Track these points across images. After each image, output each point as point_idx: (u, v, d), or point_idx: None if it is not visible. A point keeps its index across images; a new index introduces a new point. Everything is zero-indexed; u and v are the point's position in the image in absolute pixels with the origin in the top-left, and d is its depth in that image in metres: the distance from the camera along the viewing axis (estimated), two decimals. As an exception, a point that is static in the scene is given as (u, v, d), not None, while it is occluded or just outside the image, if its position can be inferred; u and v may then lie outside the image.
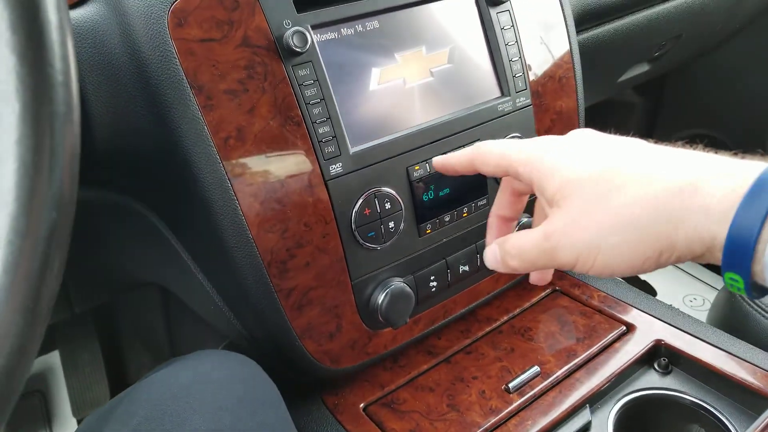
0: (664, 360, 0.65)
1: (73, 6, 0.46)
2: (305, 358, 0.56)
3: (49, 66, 0.24)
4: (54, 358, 1.20)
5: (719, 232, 0.33)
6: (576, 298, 0.75)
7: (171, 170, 0.49)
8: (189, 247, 0.56)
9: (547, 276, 0.52)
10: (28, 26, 0.24)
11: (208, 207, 0.48)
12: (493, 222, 0.50)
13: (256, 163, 0.49)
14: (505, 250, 0.43)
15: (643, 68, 1.21)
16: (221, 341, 0.81)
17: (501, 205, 0.50)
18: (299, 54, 0.49)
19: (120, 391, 0.49)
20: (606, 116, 1.56)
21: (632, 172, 0.37)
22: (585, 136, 0.42)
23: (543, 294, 0.76)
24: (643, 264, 0.37)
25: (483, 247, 0.65)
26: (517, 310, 0.73)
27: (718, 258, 0.34)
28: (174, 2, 0.45)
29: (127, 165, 0.51)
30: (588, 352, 0.66)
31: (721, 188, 0.34)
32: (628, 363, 0.64)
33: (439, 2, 0.59)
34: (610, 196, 0.37)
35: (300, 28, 0.48)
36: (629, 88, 1.47)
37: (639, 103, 1.55)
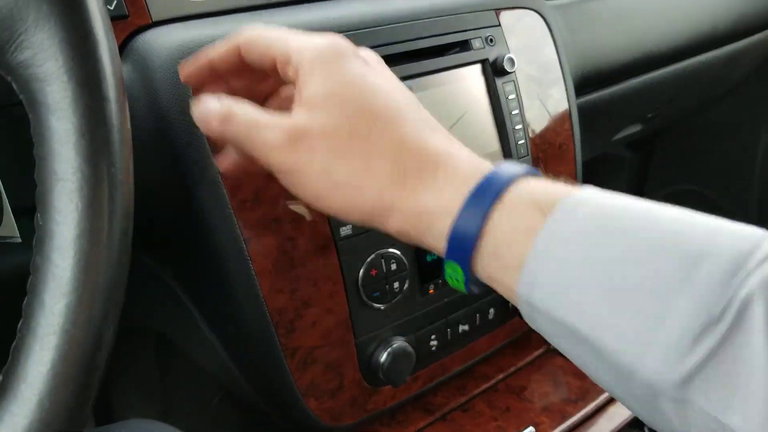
0: (656, 424, 0.66)
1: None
2: (307, 415, 0.57)
3: (112, 166, 0.26)
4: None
5: (444, 224, 0.34)
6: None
7: (186, 230, 0.50)
8: (197, 301, 0.57)
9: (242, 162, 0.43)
10: (95, 131, 0.26)
11: (223, 268, 0.49)
12: (201, 59, 0.42)
13: (271, 224, 0.50)
14: (231, 110, 0.38)
15: (636, 128, 1.25)
16: (217, 392, 0.81)
17: (220, 55, 0.41)
18: (316, 121, 0.51)
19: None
20: (595, 171, 1.60)
21: (393, 125, 0.36)
22: (380, 64, 0.41)
23: (537, 353, 0.77)
24: (353, 214, 0.37)
25: (483, 306, 0.67)
26: (512, 369, 0.74)
27: (432, 244, 0.35)
28: (200, 70, 0.47)
29: (144, 223, 0.52)
30: (582, 414, 0.67)
31: (458, 179, 0.34)
32: (621, 425, 0.65)
33: (449, 72, 0.62)
34: (361, 134, 0.35)
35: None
36: (620, 145, 1.51)
37: (629, 158, 1.59)
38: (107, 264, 0.26)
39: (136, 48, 0.49)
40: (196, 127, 0.47)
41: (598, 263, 0.30)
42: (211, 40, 0.49)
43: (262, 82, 0.43)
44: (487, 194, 0.33)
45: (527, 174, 0.35)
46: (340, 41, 0.38)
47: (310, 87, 0.36)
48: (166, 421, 1.02)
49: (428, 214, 0.35)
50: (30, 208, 0.28)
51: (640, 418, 0.32)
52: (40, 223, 0.26)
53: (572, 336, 0.31)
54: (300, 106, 0.36)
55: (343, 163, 0.35)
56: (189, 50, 0.48)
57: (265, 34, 0.39)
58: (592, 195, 0.33)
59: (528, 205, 0.33)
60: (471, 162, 0.36)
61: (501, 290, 0.34)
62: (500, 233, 0.33)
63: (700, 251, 0.28)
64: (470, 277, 0.34)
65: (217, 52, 0.40)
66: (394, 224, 0.36)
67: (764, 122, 1.36)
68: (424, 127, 0.37)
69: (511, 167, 0.35)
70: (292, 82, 0.38)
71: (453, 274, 0.35)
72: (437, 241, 0.35)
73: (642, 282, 0.29)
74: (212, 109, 0.38)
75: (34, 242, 0.26)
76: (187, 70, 0.42)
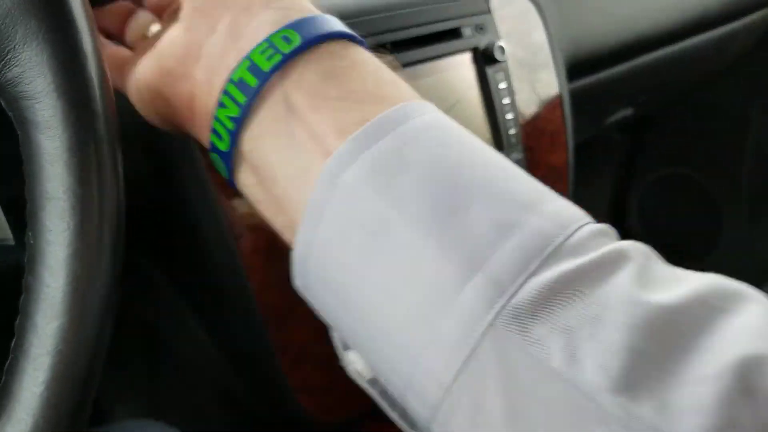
0: None
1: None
2: (299, 412, 0.56)
3: (103, 184, 0.26)
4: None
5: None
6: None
7: (175, 225, 0.49)
8: (186, 296, 0.56)
9: None
10: (85, 149, 0.25)
11: (210, 261, 0.49)
12: None
13: (261, 219, 0.49)
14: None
15: (627, 111, 1.24)
16: (207, 387, 0.80)
17: None
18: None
19: (93, 422, 0.48)
20: (586, 153, 1.60)
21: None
22: None
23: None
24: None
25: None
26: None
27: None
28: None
29: (129, 219, 0.51)
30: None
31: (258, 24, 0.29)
32: None
33: (439, 61, 0.61)
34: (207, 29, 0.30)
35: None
36: (612, 128, 1.51)
37: (618, 141, 1.59)
38: (100, 283, 0.26)
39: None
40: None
41: (433, 169, 0.25)
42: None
43: None
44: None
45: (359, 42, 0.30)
46: None
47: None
48: (157, 415, 1.02)
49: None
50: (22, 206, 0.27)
51: None
52: (32, 242, 0.26)
53: (385, 234, 0.25)
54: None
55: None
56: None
57: None
58: (433, 108, 0.29)
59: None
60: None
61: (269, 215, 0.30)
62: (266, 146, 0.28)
63: (510, 220, 0.24)
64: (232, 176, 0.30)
65: None
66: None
67: (754, 105, 1.36)
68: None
69: (338, 23, 0.29)
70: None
71: (226, 112, 0.29)
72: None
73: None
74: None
75: (25, 260, 0.26)
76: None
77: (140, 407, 1.10)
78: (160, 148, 0.46)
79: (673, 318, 0.21)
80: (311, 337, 0.55)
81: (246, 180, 0.30)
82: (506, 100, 0.65)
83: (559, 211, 0.25)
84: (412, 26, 0.59)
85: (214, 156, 0.31)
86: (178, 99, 0.32)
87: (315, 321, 0.55)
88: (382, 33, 0.57)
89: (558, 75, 0.72)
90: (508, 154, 0.65)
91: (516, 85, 0.67)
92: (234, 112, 0.28)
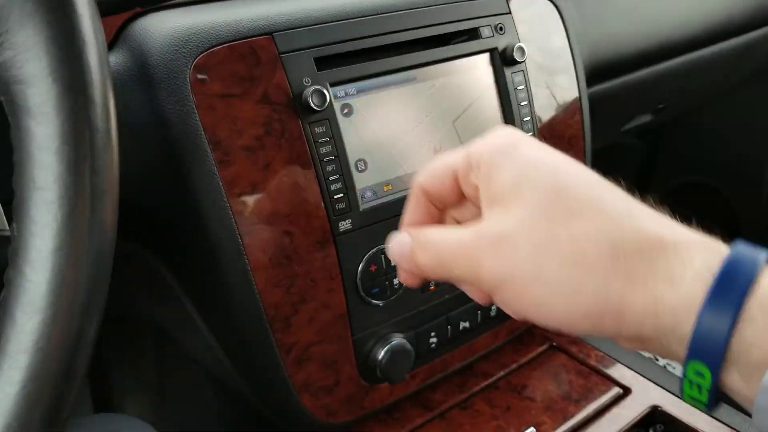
0: (660, 427, 0.65)
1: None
2: (302, 412, 0.56)
3: (95, 175, 0.24)
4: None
5: (686, 314, 0.27)
6: (573, 356, 0.74)
7: (182, 222, 0.49)
8: (191, 294, 0.56)
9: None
10: (78, 137, 0.24)
11: (218, 261, 0.48)
12: (418, 194, 0.36)
13: (268, 218, 0.49)
14: (419, 241, 0.33)
15: (646, 118, 1.22)
16: (212, 385, 0.80)
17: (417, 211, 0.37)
18: (317, 112, 0.49)
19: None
20: (605, 159, 1.57)
21: (593, 199, 0.30)
22: (551, 150, 0.33)
23: (540, 350, 0.75)
24: (580, 320, 0.30)
25: (484, 305, 0.66)
26: (514, 366, 0.73)
27: (674, 344, 0.28)
28: (197, 57, 0.45)
29: (138, 216, 0.50)
30: (584, 415, 0.66)
31: (692, 260, 0.28)
32: (624, 429, 0.64)
33: (456, 61, 0.59)
34: (562, 218, 0.29)
35: (320, 87, 0.49)
36: (629, 135, 1.48)
37: (638, 147, 1.56)
38: (86, 279, 0.24)
39: (132, 34, 0.47)
40: (193, 117, 0.45)
41: None
42: (210, 27, 0.47)
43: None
44: (735, 283, 0.27)
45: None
46: (510, 131, 0.34)
47: (494, 182, 0.31)
48: (163, 410, 1.02)
49: (669, 310, 0.28)
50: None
51: None
52: (16, 233, 0.24)
53: None
54: (489, 206, 0.32)
55: (552, 256, 0.29)
56: (187, 37, 0.46)
57: (438, 162, 0.35)
58: None
59: None
60: (698, 239, 0.29)
61: (739, 398, 0.28)
62: (753, 334, 0.27)
63: None
64: (717, 383, 0.28)
65: (408, 206, 0.37)
66: (629, 328, 0.29)
67: (777, 114, 1.33)
68: (627, 203, 0.31)
69: (749, 249, 0.28)
70: (475, 187, 0.33)
71: (696, 379, 0.28)
72: (681, 344, 0.28)
73: None
74: (402, 242, 0.34)
75: (8, 253, 0.25)
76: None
77: (150, 403, 1.10)
78: (170, 145, 0.46)
79: None
80: (315, 337, 0.54)
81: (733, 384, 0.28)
82: (524, 103, 0.64)
83: None
84: (429, 25, 0.58)
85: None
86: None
87: (319, 321, 0.54)
88: (399, 31, 0.56)
89: (578, 79, 0.70)
90: (523, 159, 0.64)
91: (534, 88, 0.65)
92: (703, 396, 0.28)
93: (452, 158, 0.34)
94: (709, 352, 0.27)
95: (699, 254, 0.28)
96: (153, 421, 1.10)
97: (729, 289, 0.27)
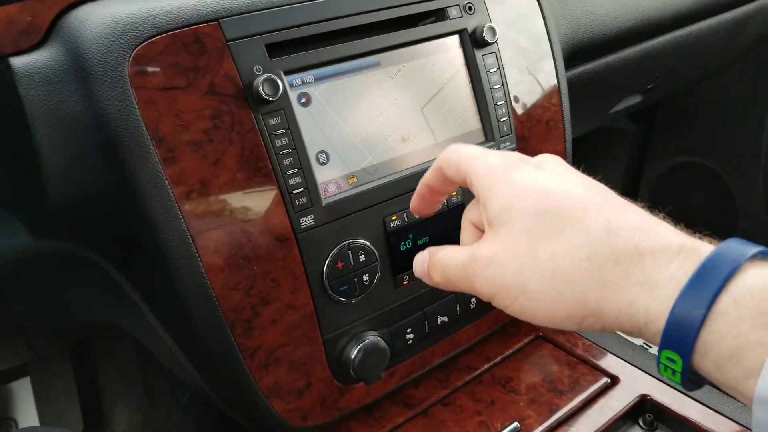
0: (649, 416, 0.63)
1: (28, 50, 0.44)
2: (272, 417, 0.53)
3: None
4: (26, 384, 1.16)
5: (659, 312, 0.31)
6: (560, 346, 0.72)
7: (129, 224, 0.46)
8: (150, 301, 0.53)
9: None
10: None
11: (169, 264, 0.45)
12: (422, 190, 0.44)
13: (221, 217, 0.46)
14: (431, 261, 0.41)
15: (636, 99, 1.19)
16: (189, 388, 0.78)
17: (432, 179, 0.44)
18: (270, 102, 0.46)
19: (93, 420, 0.46)
20: (597, 142, 1.55)
21: (573, 218, 0.34)
22: (555, 164, 0.39)
23: (526, 341, 0.73)
24: (563, 322, 0.35)
25: (462, 297, 0.63)
26: (499, 358, 0.71)
27: (650, 337, 0.32)
28: (135, 48, 0.43)
29: (84, 217, 0.48)
30: (570, 406, 0.63)
31: (667, 265, 0.32)
32: (612, 419, 0.62)
33: (422, 44, 0.57)
34: (543, 238, 0.35)
35: (271, 75, 0.46)
36: (621, 117, 1.45)
37: (630, 130, 1.53)
38: None
39: (66, 26, 0.44)
40: (133, 112, 0.42)
41: None
42: (149, 15, 0.44)
43: None
44: (708, 282, 0.30)
45: (757, 255, 0.31)
46: (511, 155, 0.39)
47: (489, 207, 0.37)
48: (152, 412, 1.00)
49: (643, 311, 0.32)
50: None
51: None
52: None
53: None
54: (486, 228, 0.38)
55: (533, 272, 0.35)
56: (124, 27, 0.43)
57: (455, 155, 0.41)
58: None
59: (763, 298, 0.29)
60: (678, 245, 0.33)
61: (717, 383, 0.31)
62: (725, 326, 0.29)
63: None
64: (688, 370, 0.31)
65: (429, 176, 0.43)
66: (611, 326, 0.34)
67: (772, 91, 1.30)
68: (609, 216, 0.34)
69: (735, 246, 0.31)
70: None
71: (669, 365, 0.31)
72: (656, 336, 0.32)
73: None
74: (422, 261, 0.42)
75: None
76: (416, 205, 0.45)
77: (139, 405, 1.08)
78: (110, 143, 0.43)
79: None
80: (281, 339, 0.51)
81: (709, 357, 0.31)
82: (497, 86, 0.61)
83: None
84: (393, 6, 0.55)
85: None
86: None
87: (284, 323, 0.52)
88: (360, 13, 0.53)
89: (554, 60, 0.68)
90: (498, 144, 0.61)
91: (508, 70, 0.62)
92: (677, 378, 0.31)
93: (462, 163, 0.40)
94: (679, 343, 0.30)
95: (676, 259, 0.32)
96: (143, 422, 1.09)
97: (701, 288, 0.30)
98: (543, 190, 0.36)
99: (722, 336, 0.29)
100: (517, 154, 0.40)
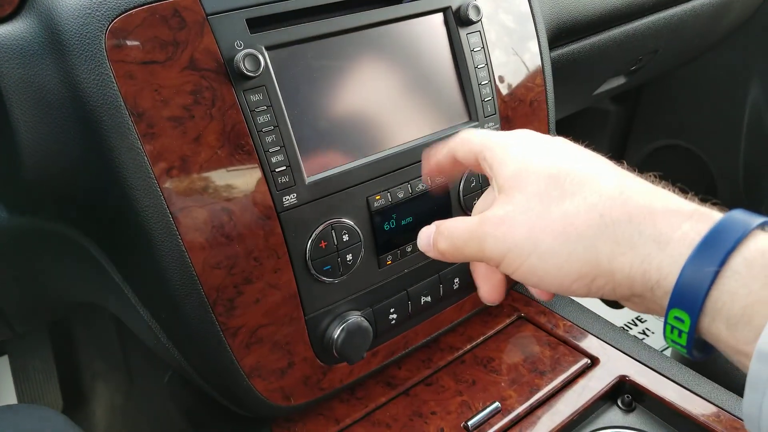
0: (627, 397, 0.64)
1: (1, 21, 0.42)
2: (254, 397, 0.53)
3: None
4: (4, 363, 1.15)
5: (671, 270, 0.31)
6: (541, 327, 0.72)
7: (109, 201, 0.45)
8: (130, 280, 0.52)
9: (496, 292, 0.43)
10: None
11: (149, 242, 0.45)
12: (430, 171, 0.45)
13: (202, 195, 0.45)
14: (438, 230, 0.41)
15: (619, 81, 1.19)
16: (167, 368, 0.77)
17: (444, 160, 0.44)
18: (251, 78, 0.46)
19: (73, 400, 0.45)
20: (580, 124, 1.55)
21: (587, 180, 0.35)
22: (558, 139, 0.40)
23: (508, 321, 0.73)
24: (572, 284, 0.34)
25: (446, 277, 0.63)
26: (481, 338, 0.71)
27: (660, 297, 0.32)
28: (113, 20, 0.41)
29: (61, 193, 0.47)
30: (551, 387, 0.64)
31: (680, 224, 0.32)
32: (591, 400, 0.62)
33: (405, 22, 0.56)
34: (557, 199, 0.35)
35: (253, 51, 0.45)
36: (605, 99, 1.46)
37: (613, 111, 1.54)
38: None
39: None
40: (111, 87, 0.41)
41: None
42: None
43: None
44: (721, 242, 0.30)
45: (765, 225, 0.31)
46: (527, 131, 0.40)
47: (501, 173, 0.38)
48: (132, 391, 0.99)
49: (655, 268, 0.32)
50: None
51: None
52: None
53: None
54: (498, 195, 0.38)
55: (545, 230, 0.34)
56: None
57: (468, 138, 0.41)
58: None
59: None
60: (690, 209, 0.33)
61: (725, 347, 0.31)
62: (737, 285, 0.30)
63: None
64: (695, 332, 0.31)
65: (440, 155, 0.44)
66: (621, 287, 0.33)
67: (754, 75, 1.30)
68: (622, 180, 0.35)
69: (744, 215, 0.31)
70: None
71: (676, 324, 0.31)
72: (666, 296, 0.32)
73: None
74: (429, 233, 0.41)
75: None
76: (427, 171, 0.46)
77: (119, 384, 1.07)
78: (88, 119, 0.42)
79: None
80: (264, 319, 0.51)
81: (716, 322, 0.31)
82: (481, 65, 0.60)
83: None
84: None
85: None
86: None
87: (267, 303, 0.51)
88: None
89: (539, 40, 0.67)
90: (482, 124, 0.61)
91: (492, 49, 0.62)
92: (683, 340, 0.31)
93: (475, 144, 0.40)
94: (689, 300, 0.30)
95: (689, 220, 0.32)
96: (123, 402, 1.08)
97: (714, 247, 0.30)
98: (557, 154, 0.37)
99: (734, 295, 0.29)
100: (531, 131, 0.40)
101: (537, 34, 0.67)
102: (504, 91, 0.63)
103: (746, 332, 0.29)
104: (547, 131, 0.69)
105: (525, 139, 0.39)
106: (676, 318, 0.31)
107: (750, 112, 1.32)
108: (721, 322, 0.30)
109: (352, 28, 0.52)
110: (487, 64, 0.61)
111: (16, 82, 0.41)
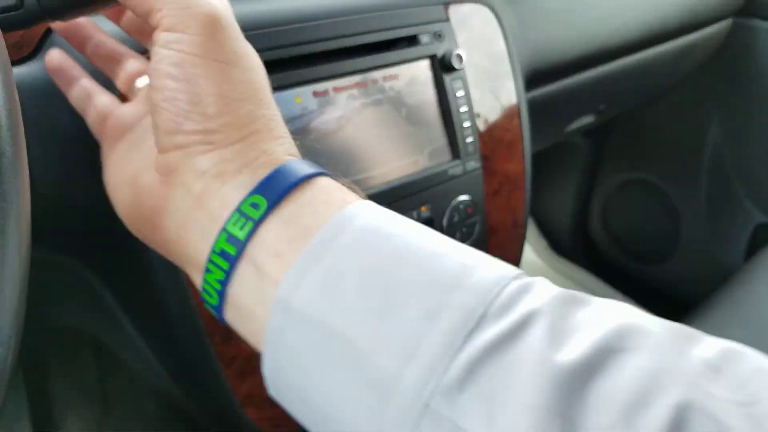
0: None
1: (18, 62, 0.44)
2: (246, 425, 0.55)
3: (3, 201, 0.23)
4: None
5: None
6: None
7: (110, 231, 0.47)
8: (126, 307, 0.54)
9: None
10: None
11: (149, 271, 0.47)
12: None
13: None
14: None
15: (589, 119, 1.25)
16: (155, 396, 0.78)
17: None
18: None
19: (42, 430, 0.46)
20: (555, 158, 1.61)
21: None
22: None
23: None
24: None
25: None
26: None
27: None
28: (126, 66, 0.44)
29: (68, 233, 0.49)
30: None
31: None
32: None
33: (394, 67, 0.60)
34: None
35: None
36: (576, 134, 1.52)
37: (584, 145, 1.60)
38: None
39: (59, 39, 0.45)
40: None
41: (368, 275, 0.28)
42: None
43: None
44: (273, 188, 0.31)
45: (317, 175, 0.33)
46: None
47: None
48: (106, 424, 0.99)
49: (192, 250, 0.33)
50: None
51: None
52: None
53: (332, 342, 0.28)
54: None
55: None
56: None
57: None
58: (369, 209, 0.32)
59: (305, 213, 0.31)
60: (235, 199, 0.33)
61: (250, 298, 0.32)
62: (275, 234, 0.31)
63: (438, 305, 0.26)
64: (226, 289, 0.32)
65: None
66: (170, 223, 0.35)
67: (712, 114, 1.38)
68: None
69: (301, 165, 0.33)
70: None
71: (213, 276, 0.32)
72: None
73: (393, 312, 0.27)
74: (74, 96, 0.41)
75: None
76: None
77: (93, 416, 1.06)
78: (82, 150, 0.44)
79: (575, 370, 0.24)
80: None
81: (232, 317, 0.34)
82: (464, 108, 0.64)
83: (482, 279, 0.27)
84: (371, 31, 0.58)
85: (206, 304, 0.35)
86: (155, 243, 0.38)
87: (262, 333, 0.53)
88: (341, 37, 0.56)
89: (516, 84, 0.72)
90: (464, 162, 0.65)
91: (474, 93, 0.66)
92: (219, 275, 0.32)
93: None
94: (227, 257, 0.31)
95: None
96: (96, 432, 1.07)
97: (269, 190, 0.31)
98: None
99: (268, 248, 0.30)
100: None
101: (514, 78, 0.72)
102: (484, 131, 0.67)
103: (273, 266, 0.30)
104: (522, 169, 0.73)
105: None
106: (212, 276, 0.32)
107: (710, 150, 1.40)
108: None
109: (350, 71, 0.55)
110: (469, 107, 0.65)
111: (31, 125, 0.43)
